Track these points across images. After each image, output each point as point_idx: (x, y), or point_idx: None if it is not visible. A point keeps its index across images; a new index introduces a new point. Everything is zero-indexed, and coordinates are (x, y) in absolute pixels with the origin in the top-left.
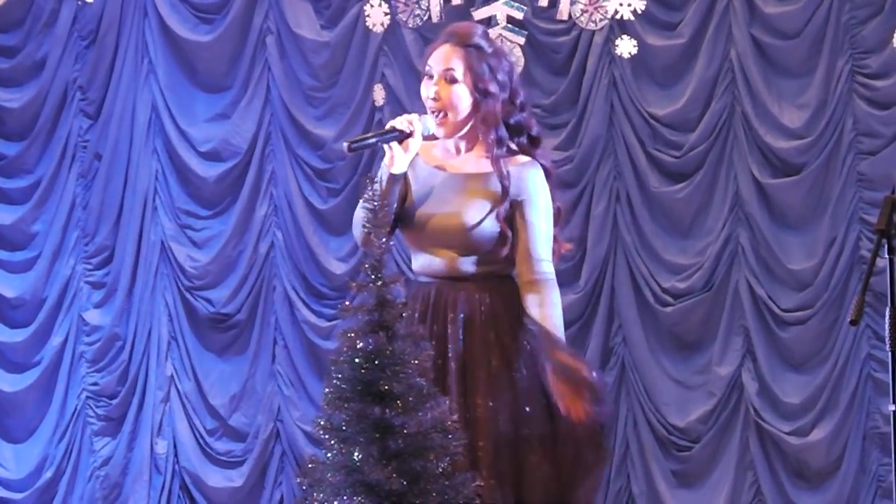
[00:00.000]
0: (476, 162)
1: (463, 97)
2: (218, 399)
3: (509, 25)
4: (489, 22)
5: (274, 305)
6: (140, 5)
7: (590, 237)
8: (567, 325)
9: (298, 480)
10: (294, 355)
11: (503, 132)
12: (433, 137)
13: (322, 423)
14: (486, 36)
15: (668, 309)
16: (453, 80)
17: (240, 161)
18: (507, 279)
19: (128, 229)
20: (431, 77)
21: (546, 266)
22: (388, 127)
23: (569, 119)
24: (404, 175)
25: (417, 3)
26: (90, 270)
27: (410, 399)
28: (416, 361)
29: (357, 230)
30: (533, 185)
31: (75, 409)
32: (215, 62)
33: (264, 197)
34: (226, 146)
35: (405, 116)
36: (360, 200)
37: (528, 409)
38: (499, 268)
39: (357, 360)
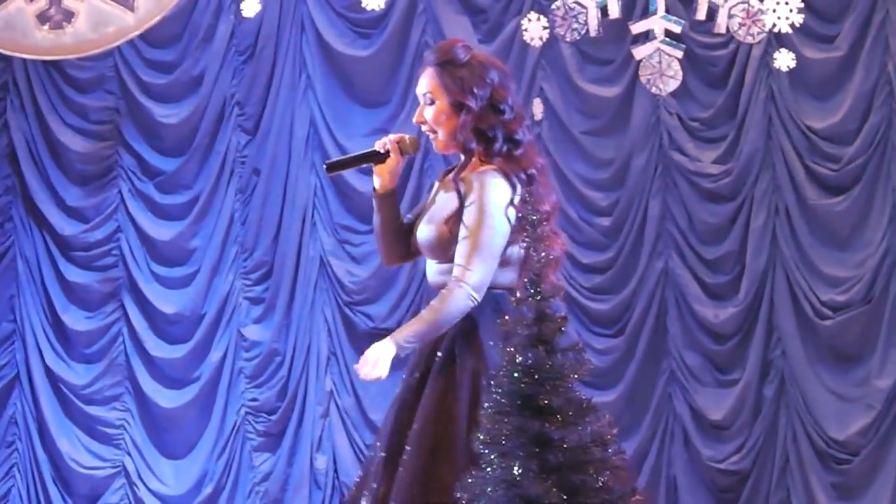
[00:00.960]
0: (453, 177)
1: (441, 114)
2: (377, 414)
3: (667, 39)
4: (647, 35)
5: None
6: (297, 20)
7: (749, 251)
8: (727, 339)
9: (458, 495)
10: None
11: (472, 145)
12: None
13: (482, 437)
14: (464, 49)
15: (827, 322)
16: (432, 101)
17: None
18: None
19: (286, 244)
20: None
21: (458, 270)
22: (365, 150)
23: (726, 132)
24: (392, 194)
25: (575, 17)
26: (249, 286)
27: (570, 413)
28: (576, 375)
29: (379, 249)
30: (478, 191)
31: (235, 424)
32: (373, 77)
33: None
34: None
35: (384, 138)
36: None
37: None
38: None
39: (517, 375)
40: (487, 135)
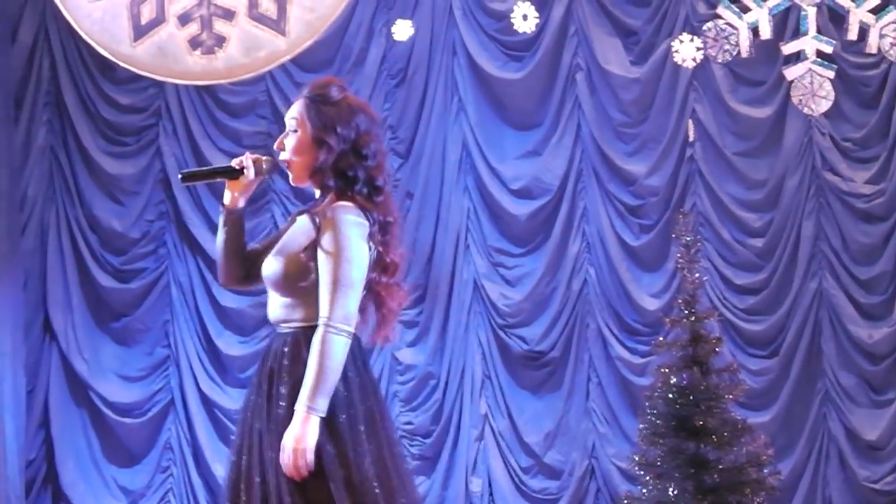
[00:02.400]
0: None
1: (301, 145)
2: (532, 437)
3: (818, 59)
4: (798, 56)
5: (587, 342)
6: (449, 44)
7: None
8: (882, 359)
9: None
10: (608, 392)
11: (330, 182)
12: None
13: (637, 458)
14: (339, 90)
15: None
16: (295, 130)
17: (551, 198)
18: (311, 329)
19: (440, 268)
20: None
21: (325, 311)
22: (220, 165)
23: (879, 152)
24: (240, 212)
25: (727, 38)
26: (403, 310)
27: (725, 434)
28: (731, 396)
29: (217, 266)
30: (331, 227)
31: None
32: (525, 99)
33: (577, 234)
34: (537, 183)
35: (240, 157)
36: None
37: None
38: (303, 314)
39: (671, 396)
40: (347, 174)
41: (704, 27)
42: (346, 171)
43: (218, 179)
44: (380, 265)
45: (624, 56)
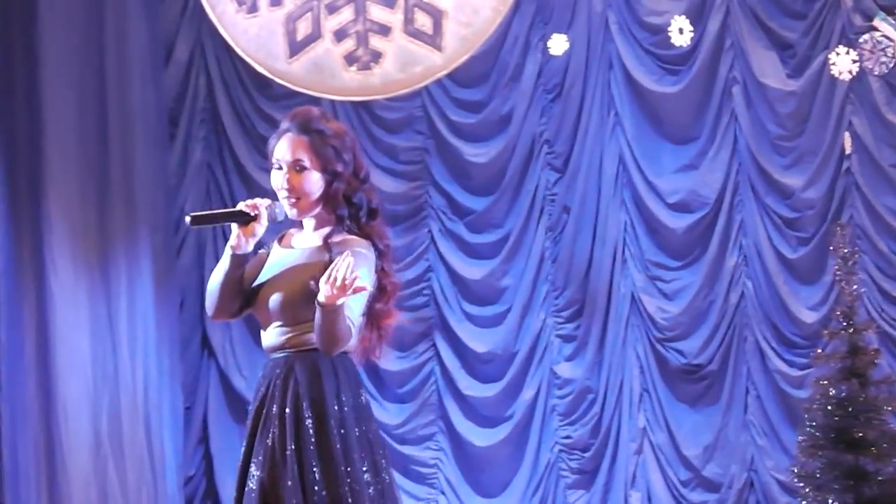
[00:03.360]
0: (316, 238)
1: (314, 182)
2: (691, 450)
3: None
4: None
5: (745, 355)
6: (605, 58)
7: None
8: None
9: None
10: (766, 405)
11: (343, 210)
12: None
13: (796, 471)
14: (323, 117)
15: None
16: (303, 169)
17: (709, 211)
18: (343, 356)
19: (597, 282)
20: (280, 168)
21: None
22: (242, 206)
23: None
24: (246, 257)
25: (883, 50)
26: (561, 324)
27: (884, 445)
28: (890, 408)
29: (207, 301)
30: (355, 260)
31: (548, 462)
32: (681, 113)
33: (734, 247)
34: (694, 197)
35: (251, 200)
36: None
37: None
38: (312, 340)
39: (830, 408)
40: (353, 200)
41: (860, 39)
42: (351, 197)
43: (228, 223)
44: (379, 290)
45: (780, 69)
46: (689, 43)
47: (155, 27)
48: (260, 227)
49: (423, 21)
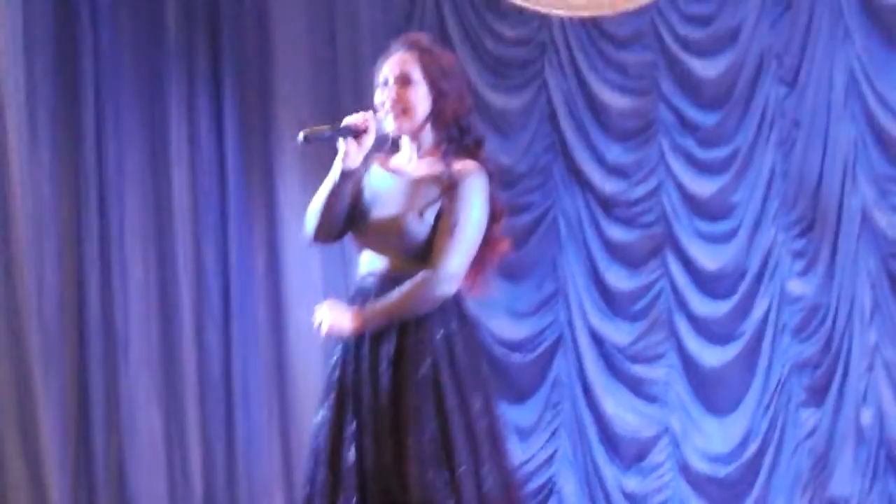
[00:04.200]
0: (425, 167)
1: (421, 97)
2: None
3: None
4: None
5: None
6: None
7: None
8: None
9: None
10: None
11: (454, 131)
12: (384, 142)
13: None
14: (436, 42)
15: None
16: (409, 82)
17: None
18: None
19: (827, 197)
20: (386, 84)
21: (436, 258)
22: (343, 123)
23: None
24: (357, 173)
25: None
26: (791, 240)
27: None
28: None
29: (310, 222)
30: (466, 185)
31: (779, 380)
32: None
33: None
34: None
35: (360, 114)
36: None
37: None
38: (421, 267)
39: None
40: (461, 123)
41: None
42: (459, 120)
43: (341, 137)
44: (491, 217)
45: None
46: None
47: None
48: (369, 140)
49: None
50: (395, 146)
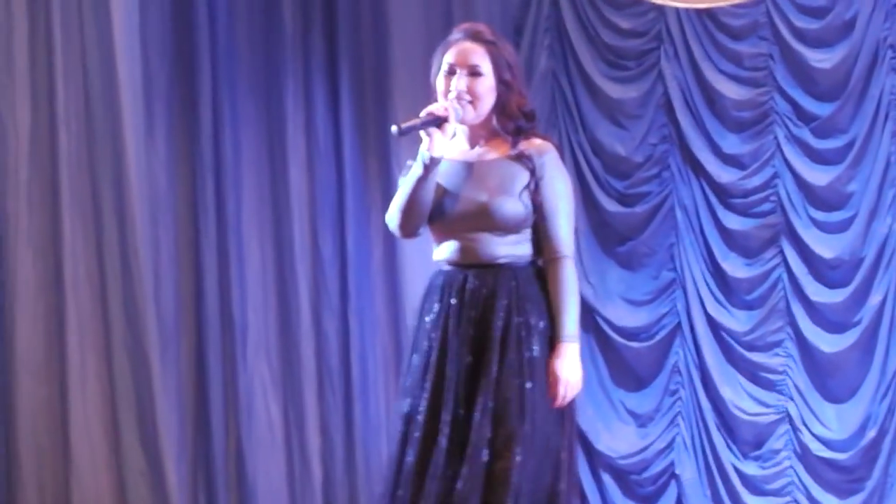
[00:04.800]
0: (495, 150)
1: (489, 89)
2: None
3: None
4: None
5: None
6: None
7: None
8: None
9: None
10: None
11: (521, 121)
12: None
13: None
14: (496, 33)
15: None
16: (479, 74)
17: None
18: (536, 265)
19: None
20: (453, 73)
21: (566, 244)
22: (424, 112)
23: None
24: (438, 161)
25: None
26: None
27: None
28: None
29: (395, 218)
30: (553, 166)
31: None
32: None
33: None
34: None
35: (440, 102)
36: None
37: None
38: (527, 251)
39: None
40: (526, 111)
41: None
42: (523, 108)
43: (430, 127)
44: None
45: None
46: None
47: None
48: (450, 128)
49: None
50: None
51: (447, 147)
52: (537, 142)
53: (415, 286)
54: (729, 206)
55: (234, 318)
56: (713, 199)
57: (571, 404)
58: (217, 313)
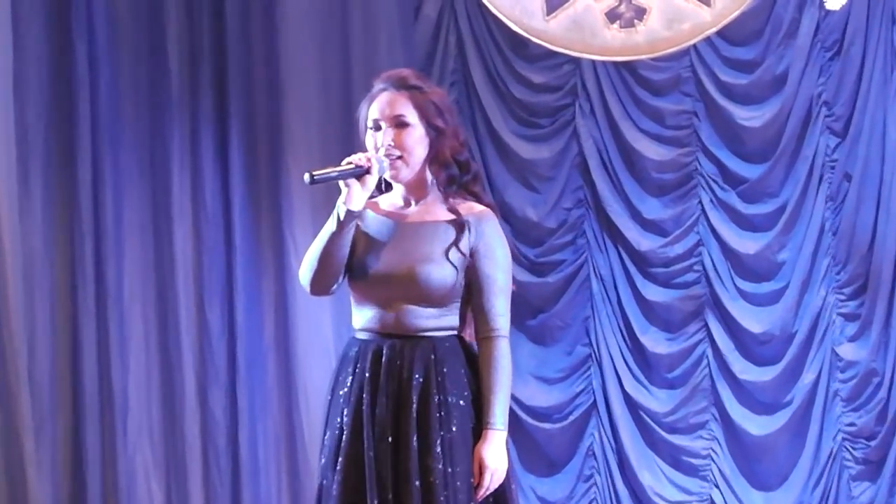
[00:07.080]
0: (429, 212)
1: (417, 139)
2: None
3: None
4: None
5: None
6: (888, 13)
7: None
8: None
9: None
10: None
11: (454, 170)
12: (379, 188)
13: None
14: (421, 77)
15: None
16: (405, 125)
17: None
18: (460, 338)
19: (882, 255)
20: (379, 128)
21: (502, 322)
22: (345, 162)
23: None
24: (359, 215)
25: None
26: (843, 301)
27: None
28: None
29: (307, 273)
30: (492, 235)
31: (831, 452)
32: None
33: None
34: None
35: (362, 153)
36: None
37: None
38: (452, 323)
39: None
40: (460, 160)
41: None
42: (457, 156)
43: (346, 178)
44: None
45: None
46: None
47: None
48: (372, 181)
49: None
50: (382, 188)
51: (380, 200)
52: (477, 207)
53: (309, 359)
54: (649, 276)
55: (113, 394)
56: (632, 269)
57: (511, 493)
58: (96, 389)
